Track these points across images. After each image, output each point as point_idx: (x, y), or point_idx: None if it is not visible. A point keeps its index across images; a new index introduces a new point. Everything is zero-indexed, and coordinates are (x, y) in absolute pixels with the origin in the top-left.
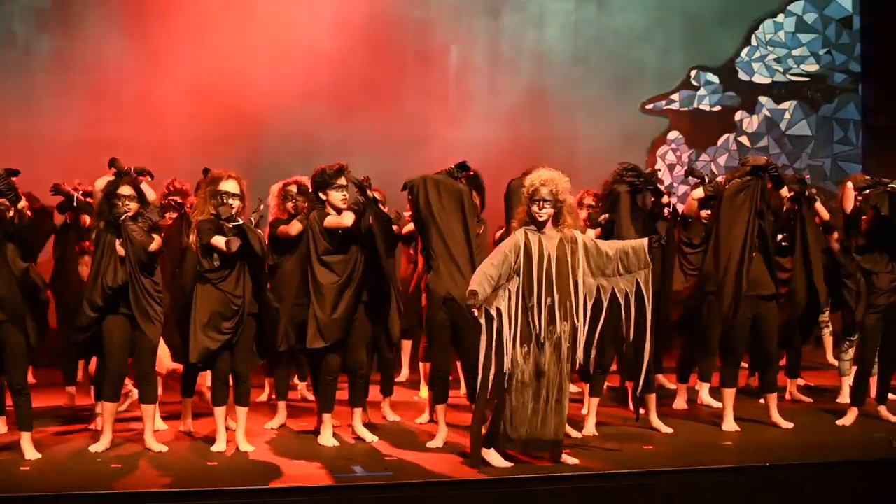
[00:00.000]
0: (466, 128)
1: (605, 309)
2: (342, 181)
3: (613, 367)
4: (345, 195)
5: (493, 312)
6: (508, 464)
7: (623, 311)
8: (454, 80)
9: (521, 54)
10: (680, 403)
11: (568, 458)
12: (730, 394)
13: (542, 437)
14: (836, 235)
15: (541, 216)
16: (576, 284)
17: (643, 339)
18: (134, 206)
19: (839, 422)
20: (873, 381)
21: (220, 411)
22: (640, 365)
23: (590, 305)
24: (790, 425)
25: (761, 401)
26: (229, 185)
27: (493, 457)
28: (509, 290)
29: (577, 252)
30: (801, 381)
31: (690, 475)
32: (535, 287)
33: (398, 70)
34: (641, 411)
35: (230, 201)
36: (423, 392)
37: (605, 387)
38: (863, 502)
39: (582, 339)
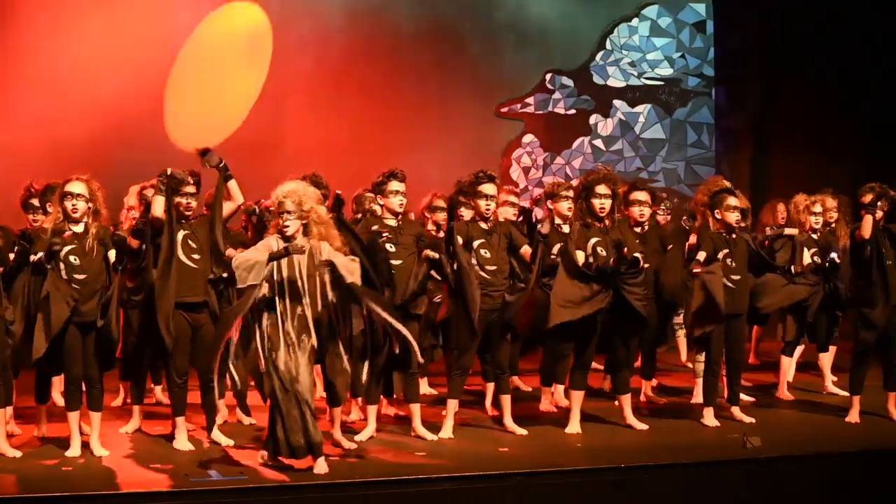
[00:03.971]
0: (315, 130)
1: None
2: (190, 189)
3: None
4: (189, 202)
5: None
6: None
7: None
8: (305, 81)
9: (373, 57)
10: (546, 405)
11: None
12: (577, 396)
13: (315, 441)
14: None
15: (285, 229)
16: (323, 296)
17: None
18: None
19: (703, 421)
20: (724, 383)
21: (73, 416)
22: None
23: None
24: (644, 427)
25: (616, 403)
26: (75, 187)
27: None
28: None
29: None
30: (654, 383)
31: (544, 477)
32: (286, 295)
33: None
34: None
35: (75, 202)
36: None
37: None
38: (716, 502)
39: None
